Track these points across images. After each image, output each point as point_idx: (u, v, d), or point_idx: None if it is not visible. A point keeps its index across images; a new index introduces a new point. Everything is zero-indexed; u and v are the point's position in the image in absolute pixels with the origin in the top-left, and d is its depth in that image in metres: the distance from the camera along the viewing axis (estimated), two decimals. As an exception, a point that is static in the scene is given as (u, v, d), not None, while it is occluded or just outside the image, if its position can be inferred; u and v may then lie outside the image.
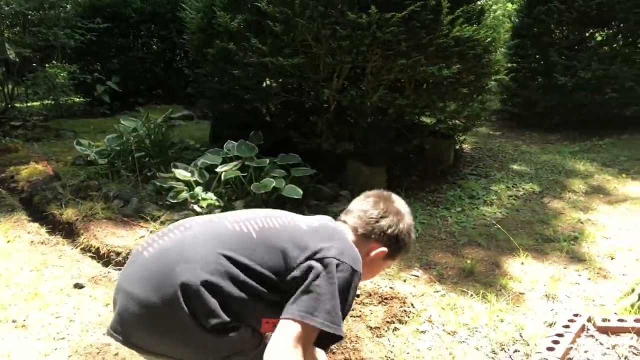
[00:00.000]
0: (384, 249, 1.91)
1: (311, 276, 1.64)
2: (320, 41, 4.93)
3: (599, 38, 8.88)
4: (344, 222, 1.98)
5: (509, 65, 8.99)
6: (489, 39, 5.52)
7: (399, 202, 2.02)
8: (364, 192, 2.07)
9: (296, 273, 1.67)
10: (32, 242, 4.32)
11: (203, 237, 1.72)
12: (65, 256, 4.11)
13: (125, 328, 1.66)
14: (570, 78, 8.05)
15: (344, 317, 1.68)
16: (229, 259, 1.64)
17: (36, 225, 4.67)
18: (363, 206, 1.97)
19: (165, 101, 10.00)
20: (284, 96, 5.56)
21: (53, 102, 8.74)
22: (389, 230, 1.90)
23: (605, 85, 7.88)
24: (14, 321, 3.24)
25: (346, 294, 1.68)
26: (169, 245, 1.72)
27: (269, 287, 1.68)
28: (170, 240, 1.74)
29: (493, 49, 5.89)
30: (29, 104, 9.01)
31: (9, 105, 8.50)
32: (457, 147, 6.95)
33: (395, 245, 1.94)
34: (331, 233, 1.82)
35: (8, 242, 4.27)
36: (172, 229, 1.83)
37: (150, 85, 10.25)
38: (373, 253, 1.90)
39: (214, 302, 1.58)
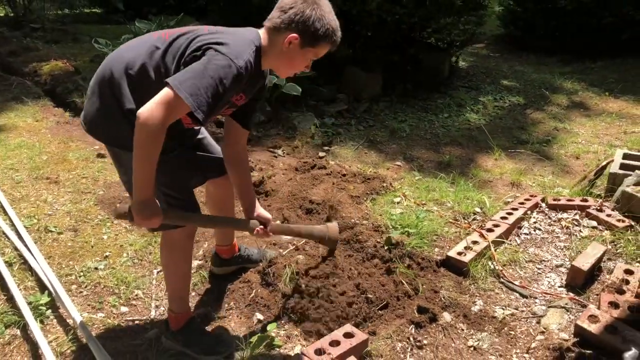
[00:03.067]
0: (294, 35, 1.97)
1: (188, 58, 1.91)
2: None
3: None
4: (263, 25, 2.08)
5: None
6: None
7: None
8: None
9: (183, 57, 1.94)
10: (58, 122, 4.85)
11: (133, 44, 2.11)
12: (88, 134, 4.63)
13: (85, 109, 2.14)
14: (570, 1, 8.23)
15: (215, 105, 1.85)
16: (149, 58, 1.99)
17: (60, 110, 5.20)
18: (281, 2, 2.03)
19: (176, 12, 10.22)
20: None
21: (68, 12, 9.08)
22: (297, 17, 1.95)
23: (603, 9, 8.07)
24: (47, 178, 3.81)
25: (219, 80, 1.82)
26: (116, 51, 2.15)
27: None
28: (120, 47, 2.17)
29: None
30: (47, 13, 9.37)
31: (28, 9, 8.82)
32: (454, 63, 7.29)
33: (307, 32, 1.97)
34: (226, 33, 1.97)
35: (37, 121, 4.81)
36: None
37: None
38: (285, 41, 1.98)
39: (129, 91, 1.99)
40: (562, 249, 3.27)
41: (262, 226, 2.40)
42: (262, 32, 2.06)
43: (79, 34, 8.46)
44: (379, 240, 3.19)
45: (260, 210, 2.46)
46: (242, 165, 2.45)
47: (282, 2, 2.02)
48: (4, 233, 3.12)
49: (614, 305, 2.61)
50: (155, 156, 1.86)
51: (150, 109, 1.78)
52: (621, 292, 2.71)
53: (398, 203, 3.74)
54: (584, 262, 2.92)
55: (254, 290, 2.74)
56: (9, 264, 2.86)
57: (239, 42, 1.94)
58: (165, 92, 1.80)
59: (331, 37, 2.03)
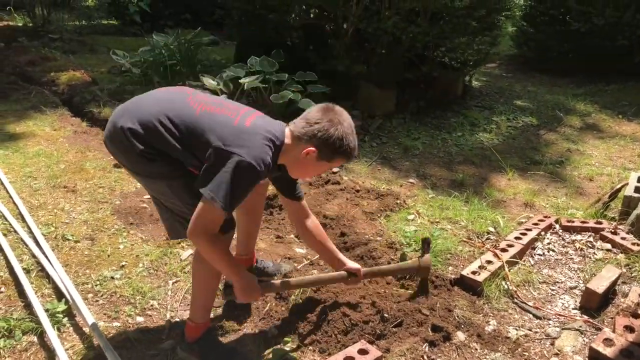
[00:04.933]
0: (313, 149, 2.12)
1: (215, 161, 2.01)
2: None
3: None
4: (288, 125, 2.22)
5: (526, 10, 9.22)
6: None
7: (340, 114, 2.17)
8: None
9: (207, 154, 2.04)
10: (75, 131, 4.91)
11: (163, 99, 2.22)
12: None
13: (106, 138, 2.23)
14: (584, 24, 8.26)
15: (236, 201, 2.03)
16: (168, 119, 2.11)
17: (78, 119, 5.27)
18: (308, 113, 2.18)
19: (192, 26, 10.36)
20: (305, 18, 5.96)
21: (86, 23, 9.24)
22: (319, 134, 2.10)
23: (617, 33, 8.09)
24: (65, 187, 3.86)
25: (245, 186, 2.02)
26: (144, 96, 2.27)
27: (186, 149, 2.09)
28: (150, 94, 2.29)
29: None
30: (65, 23, 9.55)
31: (46, 19, 8.96)
32: (467, 82, 7.32)
33: (325, 149, 2.12)
34: (252, 135, 2.07)
35: (55, 130, 4.87)
36: (167, 88, 2.40)
37: (178, 9, 10.59)
38: (303, 152, 2.13)
39: (144, 138, 2.08)
40: (576, 270, 3.27)
41: (354, 277, 2.63)
42: (287, 131, 2.20)
43: (96, 45, 8.59)
44: (393, 257, 3.20)
45: (347, 262, 2.65)
46: (315, 231, 2.59)
47: (310, 114, 2.17)
48: (22, 240, 3.16)
49: (629, 329, 2.60)
50: (222, 254, 2.11)
51: (193, 228, 2.01)
52: (636, 315, 2.70)
53: (412, 220, 3.75)
54: (599, 285, 2.91)
55: (268, 304, 2.75)
56: (27, 271, 2.89)
57: (259, 143, 2.05)
58: (202, 207, 1.99)
59: (348, 155, 2.20)
